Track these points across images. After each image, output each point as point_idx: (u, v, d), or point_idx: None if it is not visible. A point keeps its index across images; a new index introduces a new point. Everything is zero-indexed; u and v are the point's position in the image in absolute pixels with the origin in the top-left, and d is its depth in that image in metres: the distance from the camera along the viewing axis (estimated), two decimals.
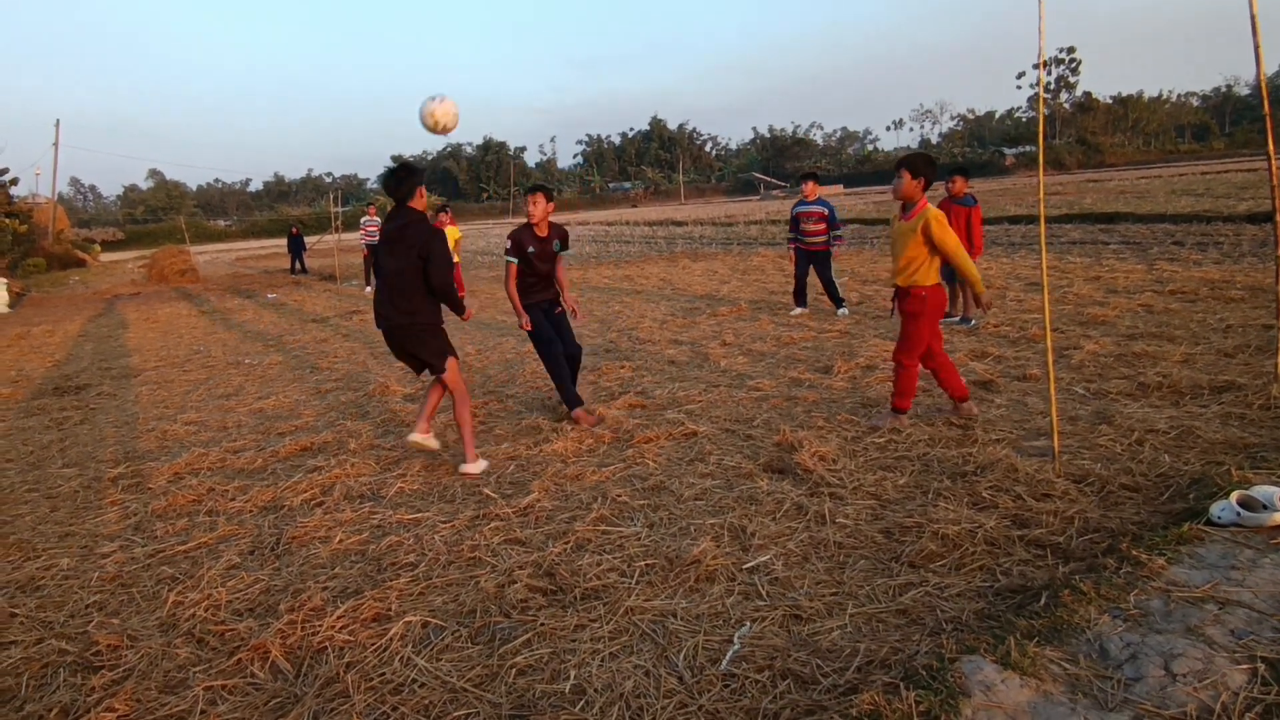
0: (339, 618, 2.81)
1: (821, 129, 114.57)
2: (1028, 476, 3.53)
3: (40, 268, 28.34)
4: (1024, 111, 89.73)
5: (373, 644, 2.67)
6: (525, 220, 5.06)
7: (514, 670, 2.48)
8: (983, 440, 4.11)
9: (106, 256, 41.09)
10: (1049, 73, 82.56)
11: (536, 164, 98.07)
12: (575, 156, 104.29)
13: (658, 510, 3.65)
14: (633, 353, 7.31)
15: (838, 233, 8.60)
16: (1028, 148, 67.67)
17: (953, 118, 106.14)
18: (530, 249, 5.02)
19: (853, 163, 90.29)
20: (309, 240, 24.21)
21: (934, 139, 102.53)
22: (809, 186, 8.71)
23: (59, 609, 3.08)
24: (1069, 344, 6.04)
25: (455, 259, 12.47)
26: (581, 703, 2.30)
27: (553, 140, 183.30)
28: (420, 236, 4.08)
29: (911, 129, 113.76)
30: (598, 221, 40.59)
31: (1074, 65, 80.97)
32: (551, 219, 5.14)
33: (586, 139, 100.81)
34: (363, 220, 15.53)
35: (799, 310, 8.76)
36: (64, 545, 3.73)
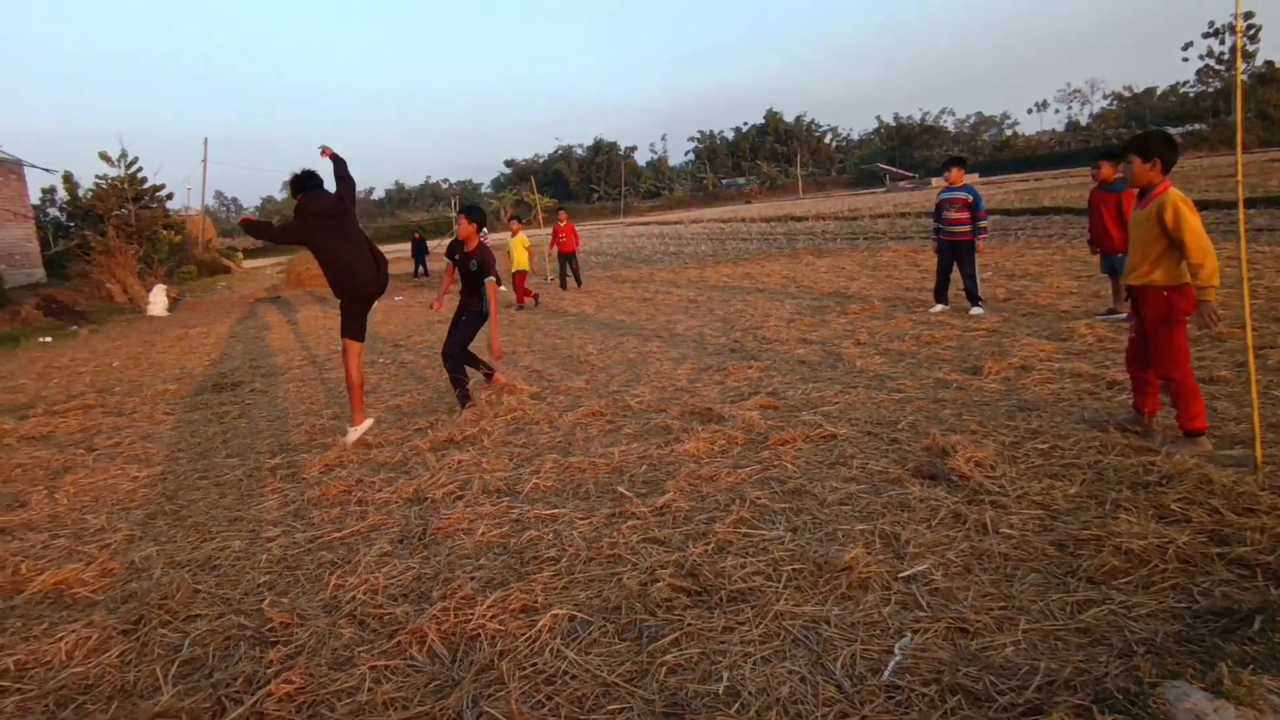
0: (489, 607, 2.95)
1: (953, 115, 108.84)
2: (1225, 489, 3.22)
3: (192, 274, 31.55)
4: (1191, 86, 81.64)
5: (523, 634, 2.79)
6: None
7: (664, 668, 2.52)
8: (1166, 448, 3.78)
9: (248, 263, 45.14)
10: (1221, 42, 74.88)
11: (647, 163, 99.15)
12: (687, 154, 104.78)
13: (800, 514, 3.60)
14: (760, 352, 7.26)
15: (982, 223, 8.17)
16: (1195, 126, 61.63)
17: (1105, 96, 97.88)
18: (456, 256, 6.44)
19: (989, 150, 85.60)
20: (430, 245, 25.61)
21: (1084, 120, 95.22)
22: (954, 173, 8.35)
23: (234, 587, 3.42)
24: (1264, 343, 5.46)
25: (524, 267, 12.87)
26: (736, 705, 2.30)
27: (663, 138, 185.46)
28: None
29: (1058, 110, 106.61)
30: (711, 219, 40.55)
31: (1253, 33, 72.88)
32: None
33: (698, 135, 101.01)
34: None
35: (939, 308, 8.39)
36: (234, 529, 4.14)
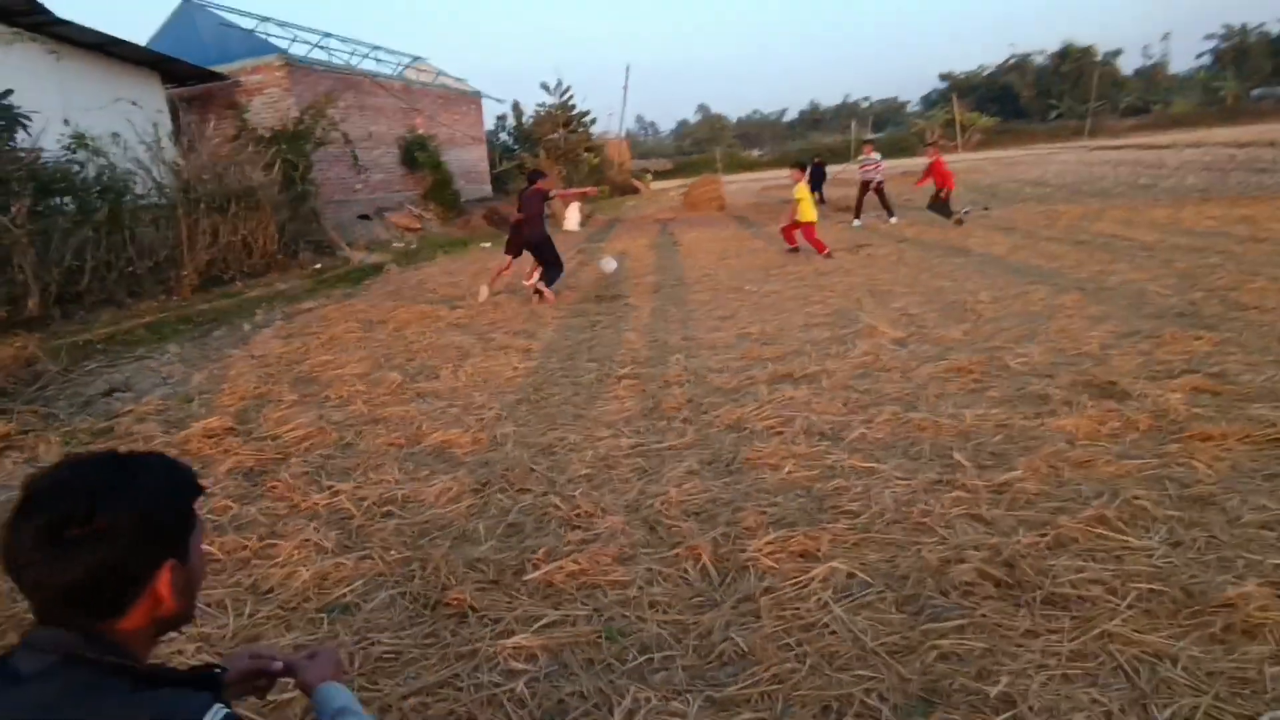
0: (769, 543, 3.12)
1: None
2: None
3: (605, 194, 36.42)
4: None
5: (793, 577, 2.91)
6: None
7: (935, 652, 2.43)
8: None
9: (656, 185, 50.35)
10: None
11: (1136, 70, 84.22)
12: (1200, 56, 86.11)
13: (1192, 528, 3.03)
14: (1222, 320, 5.99)
15: None
16: None
17: None
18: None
19: None
20: (832, 170, 25.64)
21: None
22: None
23: (562, 473, 4.13)
24: None
25: (811, 218, 11.51)
26: (1008, 715, 2.14)
27: (1165, 38, 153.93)
28: None
29: None
30: (1219, 141, 33.10)
31: None
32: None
33: (1222, 31, 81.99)
34: (860, 158, 16.21)
35: None
36: (575, 424, 4.94)
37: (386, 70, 22.96)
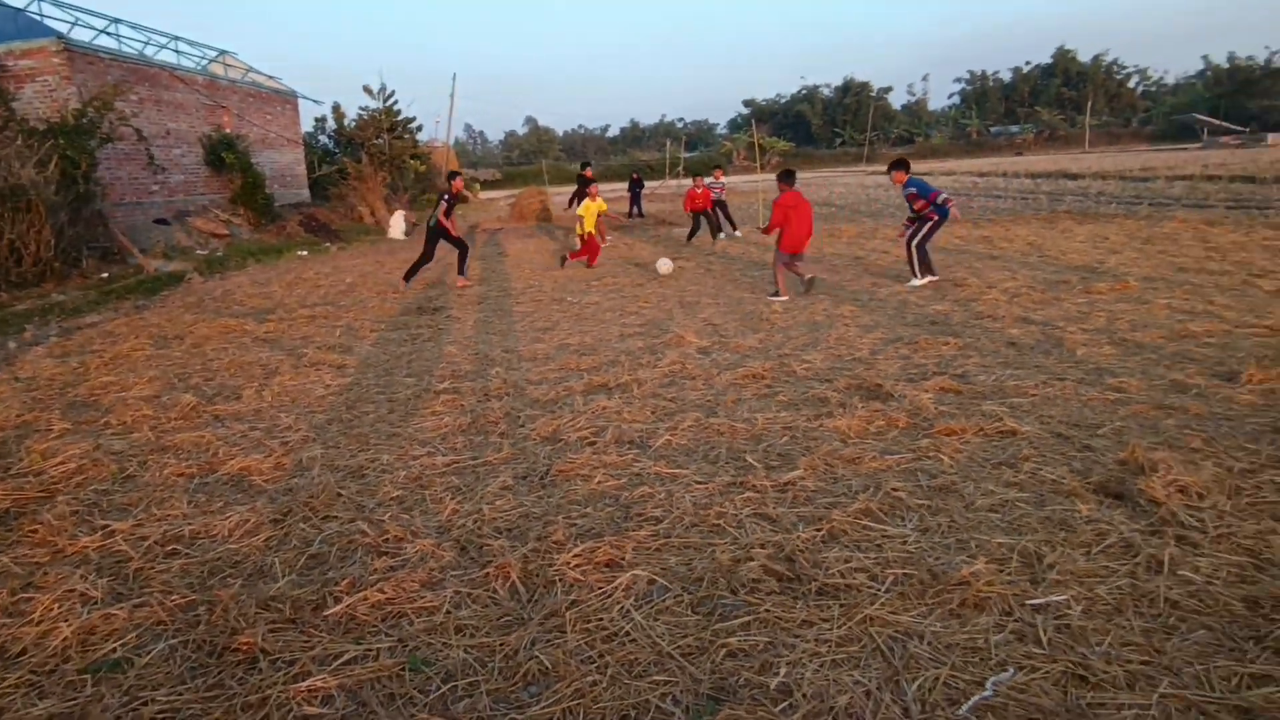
0: (576, 555, 3.11)
1: None
2: None
3: (433, 203, 35.23)
4: None
5: (598, 588, 2.91)
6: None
7: (724, 650, 2.51)
8: None
9: (484, 194, 49.34)
10: None
11: (903, 106, 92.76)
12: (951, 96, 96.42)
13: (937, 514, 3.34)
14: (964, 328, 6.68)
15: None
16: None
17: None
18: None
19: None
20: (649, 185, 26.29)
21: None
22: None
23: (371, 496, 3.90)
24: None
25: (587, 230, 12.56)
26: (785, 704, 2.25)
27: (924, 79, 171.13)
28: None
29: None
30: (967, 171, 37.26)
31: None
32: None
33: (967, 76, 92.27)
34: (709, 180, 16.33)
35: None
36: (389, 443, 4.70)
37: (189, 64, 20.80)
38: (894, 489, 3.58)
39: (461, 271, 11.61)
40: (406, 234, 22.09)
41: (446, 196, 11.31)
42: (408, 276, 11.35)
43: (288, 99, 25.97)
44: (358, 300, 10.41)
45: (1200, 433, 3.93)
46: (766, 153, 60.63)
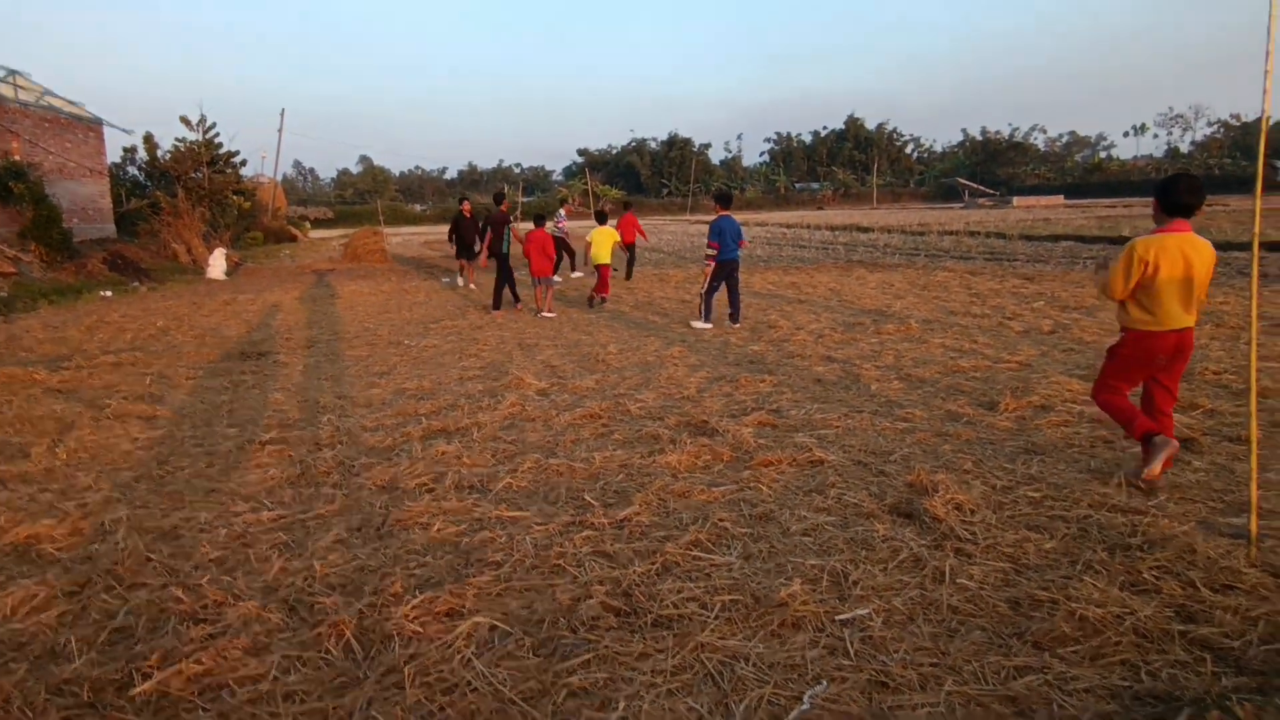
0: (414, 608, 2.97)
1: (1044, 132, 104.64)
2: (1208, 560, 3.00)
3: (258, 241, 32.81)
4: None
5: (438, 639, 2.79)
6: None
7: (565, 690, 2.48)
8: (1162, 510, 3.54)
9: (315, 234, 46.70)
10: None
11: (721, 161, 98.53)
12: (761, 154, 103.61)
13: (759, 541, 3.51)
14: (778, 366, 7.12)
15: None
16: None
17: (1211, 124, 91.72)
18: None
19: (1079, 171, 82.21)
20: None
21: (1184, 147, 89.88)
22: None
23: (187, 559, 3.52)
24: None
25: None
26: None
27: (739, 138, 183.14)
28: None
29: (1156, 135, 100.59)
30: (777, 223, 40.08)
31: None
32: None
33: (775, 137, 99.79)
34: (558, 215, 17.86)
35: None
36: (208, 500, 4.27)
37: None
38: (720, 519, 3.72)
39: (497, 305, 11.54)
40: (227, 273, 20.38)
41: (502, 224, 11.53)
42: (497, 304, 11.48)
43: (91, 126, 23.43)
44: (171, 345, 9.45)
45: (970, 455, 4.42)
46: (600, 200, 62.15)
